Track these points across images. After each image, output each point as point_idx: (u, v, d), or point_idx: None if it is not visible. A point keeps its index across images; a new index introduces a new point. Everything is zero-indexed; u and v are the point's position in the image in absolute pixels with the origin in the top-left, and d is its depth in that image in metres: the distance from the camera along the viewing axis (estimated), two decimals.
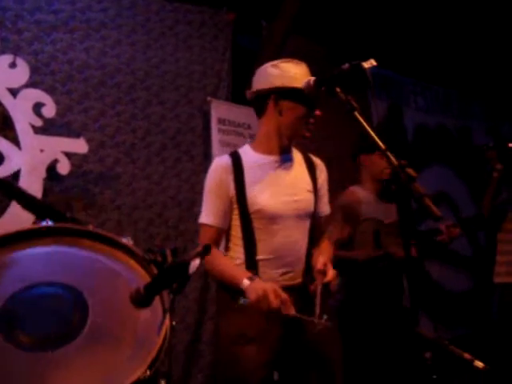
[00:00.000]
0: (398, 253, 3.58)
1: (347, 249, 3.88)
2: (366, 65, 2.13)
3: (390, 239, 3.68)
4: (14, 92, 3.85)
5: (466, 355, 2.05)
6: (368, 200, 3.88)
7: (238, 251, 2.69)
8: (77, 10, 4.31)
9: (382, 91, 6.49)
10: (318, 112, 2.67)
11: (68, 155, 3.98)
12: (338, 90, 2.19)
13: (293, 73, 2.64)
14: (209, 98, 4.86)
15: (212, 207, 2.69)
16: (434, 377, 1.92)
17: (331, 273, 2.53)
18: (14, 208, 3.61)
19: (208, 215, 2.69)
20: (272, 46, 5.27)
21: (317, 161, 2.90)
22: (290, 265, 2.68)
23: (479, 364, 2.01)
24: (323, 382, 2.66)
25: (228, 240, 2.76)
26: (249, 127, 5.14)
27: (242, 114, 5.10)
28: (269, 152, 2.73)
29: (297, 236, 2.71)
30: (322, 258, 2.59)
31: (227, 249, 2.76)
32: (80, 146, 4.04)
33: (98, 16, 4.42)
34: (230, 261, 2.70)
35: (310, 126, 2.69)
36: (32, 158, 3.84)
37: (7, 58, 3.86)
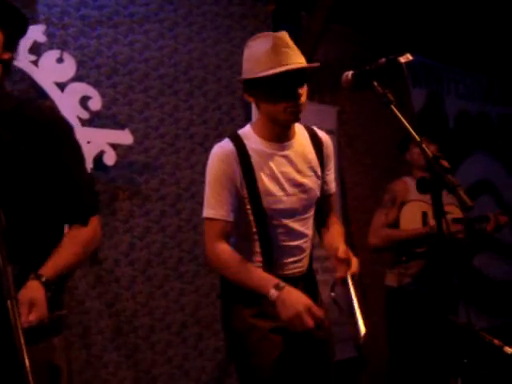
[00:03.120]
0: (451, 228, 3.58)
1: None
2: (403, 59, 2.17)
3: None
4: (61, 86, 3.96)
5: (496, 341, 2.10)
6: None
7: (252, 244, 2.59)
8: (120, 5, 4.42)
9: (421, 79, 6.48)
10: (301, 90, 2.45)
11: (114, 146, 4.08)
12: (375, 83, 2.24)
13: (255, 57, 2.45)
14: None
15: (219, 199, 2.49)
16: (465, 361, 1.97)
17: (355, 262, 2.45)
18: None
19: (215, 208, 2.50)
20: (312, 36, 5.31)
21: (323, 136, 2.74)
22: (300, 254, 2.64)
23: (509, 350, 2.06)
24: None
25: (240, 230, 2.61)
26: None
27: None
28: (270, 138, 2.56)
29: (304, 225, 2.64)
30: (341, 245, 2.50)
31: (240, 239, 2.63)
32: (125, 137, 4.15)
33: (141, 10, 4.52)
34: (245, 263, 2.51)
35: (290, 110, 2.46)
36: None
37: (54, 53, 3.97)
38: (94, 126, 4.09)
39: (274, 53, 2.40)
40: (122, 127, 4.22)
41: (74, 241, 2.10)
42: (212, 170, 2.54)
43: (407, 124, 2.13)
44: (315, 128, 2.76)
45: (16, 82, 3.89)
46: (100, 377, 4.05)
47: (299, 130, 2.68)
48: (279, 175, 2.54)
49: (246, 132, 2.61)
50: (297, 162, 2.60)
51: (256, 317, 2.52)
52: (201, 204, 4.46)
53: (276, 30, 5.27)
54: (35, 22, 3.95)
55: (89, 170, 3.95)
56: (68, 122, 2.21)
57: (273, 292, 2.32)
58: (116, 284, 4.15)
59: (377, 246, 4.03)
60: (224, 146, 2.55)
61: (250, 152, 2.52)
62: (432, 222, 3.79)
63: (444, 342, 2.97)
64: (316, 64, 2.53)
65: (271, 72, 2.38)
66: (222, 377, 4.58)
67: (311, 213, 2.69)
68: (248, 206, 2.54)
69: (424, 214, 3.85)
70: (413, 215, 3.93)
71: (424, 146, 2.05)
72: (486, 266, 6.71)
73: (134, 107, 4.37)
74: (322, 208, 2.76)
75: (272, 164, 2.54)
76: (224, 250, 2.50)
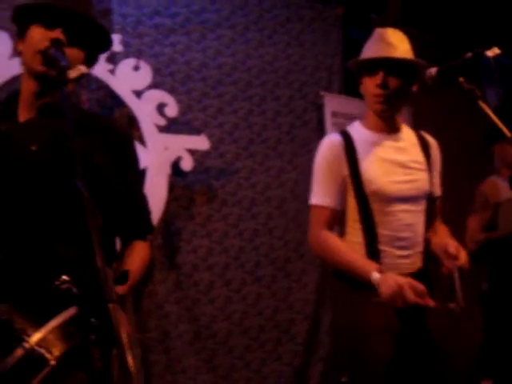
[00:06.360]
0: None
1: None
2: (490, 53, 2.13)
3: None
4: (138, 94, 4.05)
5: None
6: (507, 187, 3.83)
7: (356, 235, 2.53)
8: (192, 12, 4.48)
9: (494, 78, 6.34)
10: (378, 80, 2.46)
11: (191, 152, 4.15)
12: (461, 79, 2.20)
13: (367, 46, 2.60)
14: (322, 92, 4.92)
15: (324, 187, 2.52)
16: None
17: (464, 256, 2.37)
18: None
19: (320, 195, 2.53)
20: None
21: (431, 140, 2.73)
22: (409, 248, 2.52)
23: None
24: (442, 376, 2.52)
25: (344, 224, 2.57)
26: None
27: (355, 106, 5.12)
28: (378, 129, 2.58)
29: (414, 218, 2.54)
30: (452, 241, 2.46)
31: (344, 233, 2.58)
32: (202, 142, 4.21)
33: (213, 17, 4.57)
34: (349, 248, 2.50)
35: (376, 98, 2.51)
36: (157, 156, 4.02)
37: (131, 62, 4.07)
38: (171, 133, 4.15)
39: (373, 44, 2.58)
40: (197, 133, 4.27)
41: (141, 255, 2.02)
42: (319, 159, 2.59)
43: (497, 119, 2.09)
44: (423, 132, 2.76)
45: (93, 91, 3.99)
46: (179, 381, 4.08)
47: (407, 128, 2.70)
48: (386, 163, 2.54)
49: (354, 126, 2.66)
50: (405, 152, 2.60)
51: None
52: (275, 208, 4.56)
53: (346, 32, 5.26)
54: (111, 31, 4.01)
55: (167, 176, 4.03)
56: (133, 139, 2.17)
57: (375, 274, 2.31)
58: (195, 288, 4.18)
59: (475, 252, 3.82)
60: (331, 138, 2.62)
61: (356, 142, 2.54)
62: None
63: None
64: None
65: (362, 57, 2.56)
66: (299, 382, 4.55)
67: (422, 207, 2.60)
68: (351, 193, 2.52)
69: None
70: (510, 216, 3.80)
71: None
72: None
73: (208, 113, 4.42)
74: (430, 211, 2.68)
75: (378, 152, 2.55)
76: (327, 236, 2.50)
